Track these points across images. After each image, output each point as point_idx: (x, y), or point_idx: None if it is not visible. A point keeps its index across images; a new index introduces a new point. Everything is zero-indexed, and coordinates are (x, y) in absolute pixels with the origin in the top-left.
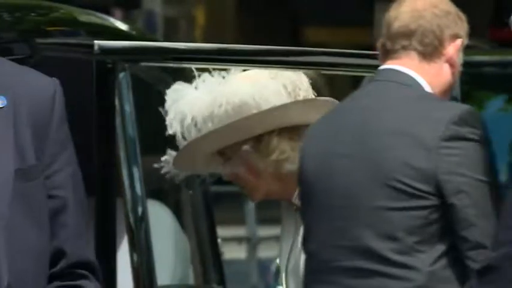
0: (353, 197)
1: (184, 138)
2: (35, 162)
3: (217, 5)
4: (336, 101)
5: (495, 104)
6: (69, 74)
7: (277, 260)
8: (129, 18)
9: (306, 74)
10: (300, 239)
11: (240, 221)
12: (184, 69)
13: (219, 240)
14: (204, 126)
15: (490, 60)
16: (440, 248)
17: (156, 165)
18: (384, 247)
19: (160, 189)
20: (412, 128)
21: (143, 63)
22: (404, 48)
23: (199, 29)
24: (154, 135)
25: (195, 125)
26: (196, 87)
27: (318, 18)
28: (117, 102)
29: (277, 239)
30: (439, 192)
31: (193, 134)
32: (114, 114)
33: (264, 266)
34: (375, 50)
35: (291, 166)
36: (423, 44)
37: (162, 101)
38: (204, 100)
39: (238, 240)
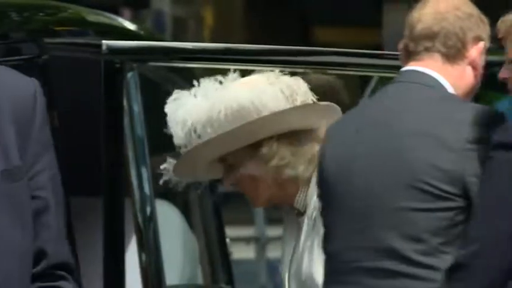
0: (375, 197)
1: (185, 146)
2: (19, 162)
3: (226, 5)
4: (336, 106)
5: (504, 104)
6: (78, 74)
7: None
8: (138, 18)
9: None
10: (301, 242)
11: (248, 221)
12: (192, 69)
13: (227, 240)
14: (204, 132)
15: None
16: None
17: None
18: (407, 248)
19: (168, 189)
20: (435, 129)
21: (151, 63)
22: (427, 50)
23: (207, 29)
24: (163, 135)
25: (195, 131)
26: (194, 95)
27: (326, 18)
28: (125, 102)
29: None
30: (465, 194)
31: (194, 142)
32: (122, 114)
33: (272, 266)
34: (382, 50)
35: (292, 171)
36: (446, 46)
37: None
38: (203, 107)
39: (247, 240)
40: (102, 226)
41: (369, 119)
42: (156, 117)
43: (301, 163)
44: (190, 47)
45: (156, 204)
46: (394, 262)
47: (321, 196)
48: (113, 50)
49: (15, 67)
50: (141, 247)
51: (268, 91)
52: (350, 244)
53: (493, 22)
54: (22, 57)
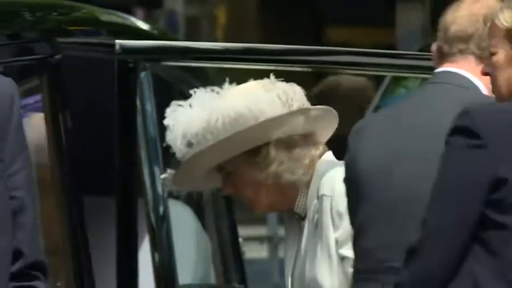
0: (412, 198)
1: (185, 156)
2: None
3: (239, 4)
4: (332, 109)
5: None
6: (91, 74)
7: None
8: (151, 18)
9: (356, 79)
10: (303, 246)
11: (261, 220)
12: (205, 68)
13: (240, 240)
14: (203, 140)
15: None
16: None
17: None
18: None
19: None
20: None
21: (164, 63)
22: (461, 52)
23: (220, 29)
24: None
25: (193, 141)
26: (190, 106)
27: (340, 18)
28: (138, 101)
29: None
30: None
31: (192, 152)
32: (135, 114)
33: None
34: (396, 50)
35: (291, 176)
36: (480, 48)
37: (183, 100)
38: (200, 117)
39: (260, 239)
40: (115, 226)
41: (407, 119)
42: None
43: (300, 167)
44: (203, 47)
45: (168, 204)
46: None
47: (352, 193)
48: (126, 50)
49: (28, 67)
50: (154, 246)
51: (264, 97)
52: (387, 243)
53: None
54: (35, 56)
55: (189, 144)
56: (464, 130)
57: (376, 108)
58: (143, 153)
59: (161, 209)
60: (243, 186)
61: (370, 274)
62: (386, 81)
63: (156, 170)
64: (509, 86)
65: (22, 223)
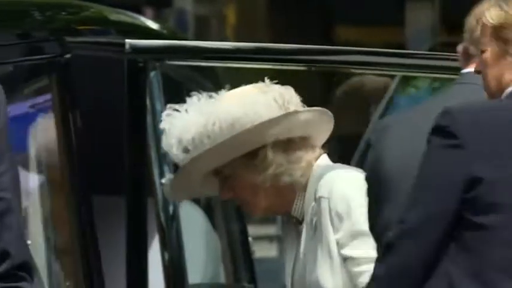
0: None
1: (182, 161)
2: None
3: (249, 3)
4: (328, 112)
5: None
6: (101, 73)
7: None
8: (161, 17)
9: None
10: (302, 250)
11: (270, 219)
12: (214, 67)
13: (249, 239)
14: (200, 145)
15: None
16: None
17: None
18: None
19: None
20: None
21: (174, 62)
22: None
23: (230, 28)
24: None
25: (191, 146)
26: (186, 111)
27: (350, 17)
28: (148, 101)
29: None
30: None
31: (189, 157)
32: (145, 113)
33: None
34: (406, 49)
35: (289, 178)
36: None
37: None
38: (197, 121)
39: (269, 238)
40: (125, 225)
41: (434, 119)
42: None
43: (297, 170)
44: (213, 46)
45: (178, 203)
46: None
47: (376, 191)
48: (136, 49)
49: (38, 66)
50: (164, 246)
51: (260, 100)
52: None
53: None
54: (44, 56)
55: (185, 150)
56: (443, 130)
57: (386, 108)
58: (153, 153)
59: (171, 208)
60: (240, 189)
61: None
62: (396, 80)
63: (166, 169)
64: (498, 83)
65: (9, 224)
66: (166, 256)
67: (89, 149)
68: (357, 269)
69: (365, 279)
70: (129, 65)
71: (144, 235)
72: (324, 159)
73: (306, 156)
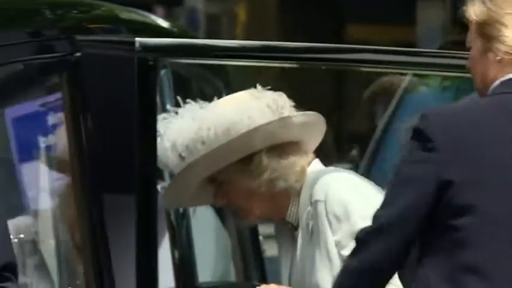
0: None
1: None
2: None
3: (259, 2)
4: (321, 115)
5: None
6: (111, 72)
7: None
8: (172, 16)
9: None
10: (298, 255)
11: None
12: (224, 66)
13: (260, 237)
14: (195, 150)
15: None
16: None
17: None
18: None
19: None
20: None
21: (184, 61)
22: None
23: (241, 26)
24: None
25: (185, 152)
26: (181, 116)
27: (360, 16)
28: (158, 99)
29: None
30: None
31: (183, 165)
32: (155, 112)
33: None
34: (417, 47)
35: (284, 183)
36: None
37: (203, 98)
38: (191, 127)
39: None
40: (135, 223)
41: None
42: None
43: (292, 174)
44: (223, 44)
45: None
46: None
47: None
48: (146, 48)
49: (48, 65)
50: (174, 244)
51: (254, 106)
52: None
53: None
54: (55, 54)
55: (180, 157)
56: (419, 133)
57: (396, 107)
58: None
59: None
60: (235, 195)
61: None
62: (407, 79)
63: None
64: (483, 80)
65: None
66: (177, 254)
67: (100, 147)
68: None
69: None
70: (139, 64)
71: (154, 233)
72: (317, 164)
73: (300, 161)
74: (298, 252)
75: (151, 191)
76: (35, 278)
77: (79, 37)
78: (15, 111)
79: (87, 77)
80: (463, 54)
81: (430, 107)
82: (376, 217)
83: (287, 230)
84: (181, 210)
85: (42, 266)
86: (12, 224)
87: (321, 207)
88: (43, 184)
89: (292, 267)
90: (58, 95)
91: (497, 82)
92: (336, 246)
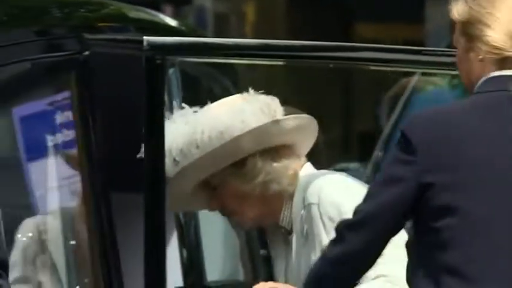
0: None
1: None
2: None
3: (268, 1)
4: (314, 119)
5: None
6: (119, 70)
7: None
8: (180, 15)
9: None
10: (293, 259)
11: None
12: (233, 64)
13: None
14: (189, 154)
15: None
16: None
17: None
18: None
19: None
20: None
21: (192, 59)
22: None
23: (249, 25)
24: None
25: (180, 155)
26: (174, 121)
27: (369, 14)
28: (166, 98)
29: None
30: None
31: (177, 169)
32: (163, 110)
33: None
34: (425, 46)
35: (277, 186)
36: None
37: (211, 96)
38: (185, 131)
39: None
40: (143, 222)
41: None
42: None
43: (285, 178)
44: (231, 43)
45: None
46: None
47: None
48: (154, 46)
49: (57, 63)
50: (182, 243)
51: (248, 109)
52: None
53: None
54: (63, 53)
55: (174, 161)
56: (403, 135)
57: (404, 106)
58: None
59: None
60: (229, 199)
61: None
62: (415, 78)
63: None
64: (468, 79)
65: None
66: (185, 253)
67: (108, 146)
68: None
69: (367, 274)
70: (147, 62)
71: (163, 232)
72: (309, 168)
73: (292, 164)
74: (293, 255)
75: (159, 189)
76: (43, 277)
77: (87, 36)
78: (23, 109)
79: (96, 75)
80: None
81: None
82: (357, 211)
83: (280, 235)
84: None
85: (50, 265)
86: (20, 222)
87: (314, 210)
88: (51, 183)
89: (287, 271)
90: (66, 93)
91: (481, 80)
92: None
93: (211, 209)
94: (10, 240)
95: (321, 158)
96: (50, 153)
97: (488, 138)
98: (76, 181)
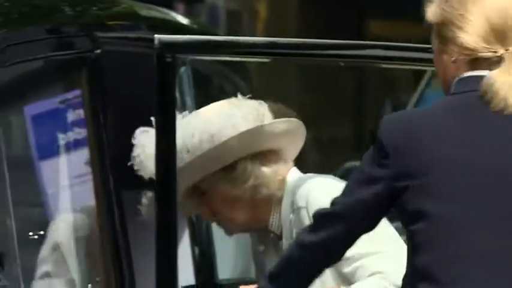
0: None
1: None
2: None
3: None
4: (302, 123)
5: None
6: (131, 68)
7: None
8: (192, 13)
9: None
10: None
11: None
12: (244, 63)
13: None
14: (180, 158)
15: None
16: None
17: None
18: None
19: None
20: None
21: (204, 57)
22: None
23: (262, 23)
24: None
25: None
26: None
27: (382, 12)
28: (178, 96)
29: None
30: None
31: None
32: (175, 108)
33: None
34: None
35: (267, 190)
36: None
37: (222, 95)
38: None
39: None
40: (155, 220)
41: None
42: None
43: (274, 182)
44: (242, 41)
45: None
46: None
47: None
48: (165, 44)
49: (68, 61)
50: (194, 241)
51: (237, 114)
52: None
53: None
54: (75, 51)
55: None
56: (378, 137)
57: (417, 104)
58: None
59: None
60: (218, 204)
61: None
62: (427, 75)
63: None
64: (444, 78)
65: None
66: (197, 251)
67: (119, 144)
68: (351, 266)
69: (363, 272)
70: (159, 60)
71: (174, 230)
72: (296, 172)
73: (281, 169)
74: None
75: (170, 187)
76: (54, 274)
77: (99, 34)
78: (35, 108)
79: (107, 74)
80: None
81: None
82: (334, 202)
83: (270, 240)
84: None
85: (62, 263)
86: (31, 221)
87: (303, 213)
88: (62, 181)
89: None
90: (78, 91)
91: (455, 80)
92: None
93: (203, 215)
94: (21, 238)
95: (330, 156)
96: (61, 151)
97: (461, 139)
98: (87, 179)
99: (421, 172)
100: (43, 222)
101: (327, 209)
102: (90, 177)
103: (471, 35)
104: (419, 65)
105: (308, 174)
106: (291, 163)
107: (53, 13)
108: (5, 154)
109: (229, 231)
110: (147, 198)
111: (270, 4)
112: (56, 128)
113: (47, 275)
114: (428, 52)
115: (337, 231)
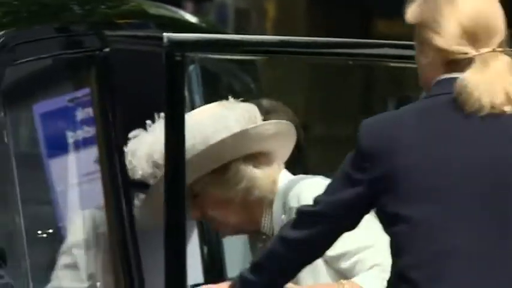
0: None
1: (153, 177)
2: None
3: None
4: (292, 124)
5: None
6: (140, 67)
7: None
8: (201, 11)
9: None
10: None
11: None
12: (253, 61)
13: None
14: None
15: None
16: None
17: None
18: None
19: None
20: None
21: (213, 56)
22: None
23: (270, 22)
24: None
25: (161, 160)
26: (154, 130)
27: (390, 11)
28: (186, 94)
29: None
30: None
31: (159, 174)
32: (183, 106)
33: None
34: None
35: (259, 192)
36: None
37: (231, 93)
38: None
39: None
40: (164, 218)
41: None
42: None
43: (267, 184)
44: (250, 40)
45: None
46: None
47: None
48: (174, 43)
49: (77, 60)
50: (203, 239)
51: (230, 116)
52: None
53: None
54: (84, 50)
55: (157, 165)
56: (358, 140)
57: None
58: None
59: None
60: (210, 206)
61: None
62: None
63: None
64: (423, 80)
65: None
66: (205, 250)
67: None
68: (349, 262)
69: (362, 266)
70: (167, 59)
71: (183, 229)
72: (286, 174)
73: (272, 171)
74: None
75: (179, 186)
76: (64, 273)
77: (108, 32)
78: (43, 106)
79: (116, 72)
80: None
81: None
82: (317, 200)
83: (262, 242)
84: None
85: (71, 261)
86: (39, 218)
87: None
88: (71, 179)
89: None
90: (86, 90)
91: (433, 83)
92: None
93: (194, 217)
94: (30, 236)
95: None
96: (70, 149)
97: (438, 142)
98: (96, 177)
99: (399, 175)
100: (52, 220)
101: (310, 206)
102: (98, 175)
103: (443, 37)
104: None
105: (300, 175)
106: (282, 165)
107: (61, 12)
108: (14, 152)
109: (221, 234)
110: (140, 200)
111: (279, 3)
112: (64, 126)
113: (66, 267)
114: None
115: (319, 229)
